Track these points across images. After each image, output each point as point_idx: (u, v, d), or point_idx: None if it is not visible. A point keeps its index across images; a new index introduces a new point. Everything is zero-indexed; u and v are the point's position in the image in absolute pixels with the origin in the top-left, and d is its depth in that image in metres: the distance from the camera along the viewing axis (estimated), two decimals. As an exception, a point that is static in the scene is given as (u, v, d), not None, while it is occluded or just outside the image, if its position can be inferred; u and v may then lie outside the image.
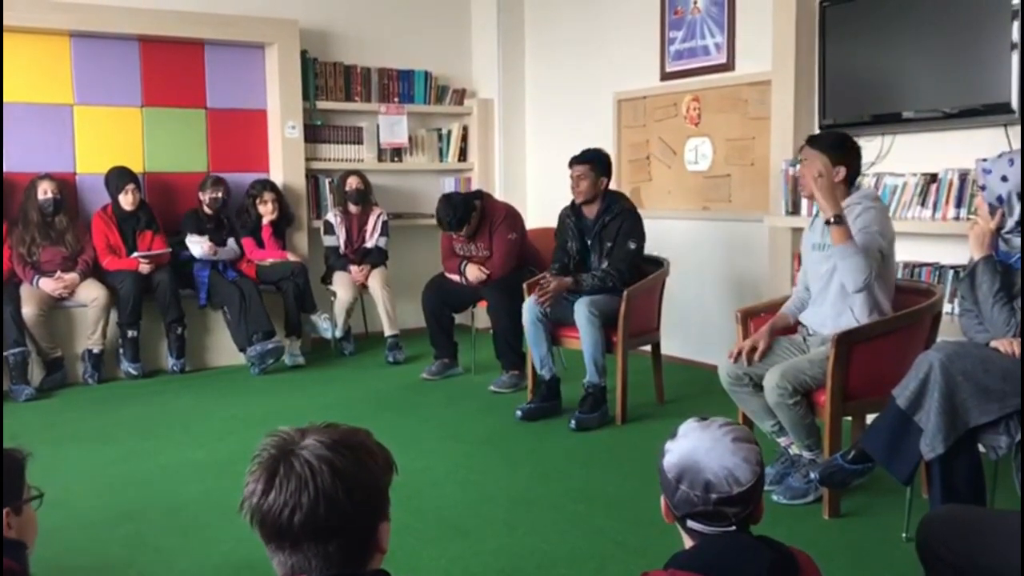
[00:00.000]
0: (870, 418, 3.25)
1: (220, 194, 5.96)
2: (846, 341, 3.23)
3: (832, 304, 3.46)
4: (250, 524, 1.34)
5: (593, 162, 4.71)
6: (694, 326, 5.74)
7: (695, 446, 1.58)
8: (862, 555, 2.98)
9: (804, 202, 4.72)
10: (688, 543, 1.63)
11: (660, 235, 5.80)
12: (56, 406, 5.05)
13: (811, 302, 3.60)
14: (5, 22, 5.42)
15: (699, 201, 5.79)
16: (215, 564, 2.95)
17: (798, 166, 3.96)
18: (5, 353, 5.12)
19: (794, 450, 3.51)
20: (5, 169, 5.61)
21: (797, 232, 4.71)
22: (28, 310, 5.23)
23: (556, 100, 6.87)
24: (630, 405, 4.64)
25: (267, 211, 6.08)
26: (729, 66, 5.48)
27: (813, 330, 3.54)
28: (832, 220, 3.27)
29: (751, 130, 5.38)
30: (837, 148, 3.44)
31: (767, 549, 1.54)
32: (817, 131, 4.58)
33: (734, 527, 1.56)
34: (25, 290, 5.30)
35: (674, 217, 5.92)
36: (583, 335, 4.55)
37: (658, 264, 4.95)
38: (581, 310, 4.55)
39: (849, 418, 3.49)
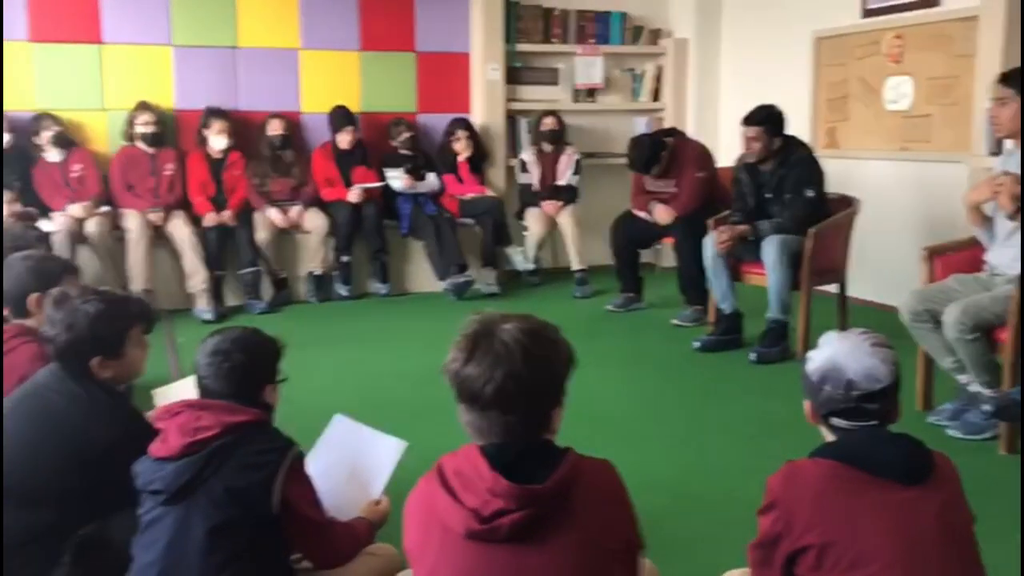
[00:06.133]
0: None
1: (407, 134, 6.38)
2: (1034, 280, 3.19)
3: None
4: (450, 386, 1.59)
5: (766, 124, 4.70)
6: (885, 269, 5.65)
7: (836, 351, 1.76)
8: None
9: (1007, 143, 4.55)
10: (830, 439, 1.80)
11: (854, 175, 5.72)
12: (283, 320, 5.69)
13: (997, 242, 3.55)
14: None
15: (897, 141, 5.67)
16: (416, 453, 3.35)
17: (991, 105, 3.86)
18: (241, 272, 5.83)
19: (973, 388, 3.51)
20: (244, 107, 6.28)
21: (998, 173, 4.55)
22: (261, 235, 5.89)
23: (753, 39, 6.83)
24: (812, 343, 4.67)
25: (461, 148, 6.48)
26: (934, 1, 5.29)
27: (1001, 270, 3.50)
28: None
29: (955, 68, 5.19)
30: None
31: (905, 441, 1.69)
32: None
33: (875, 422, 1.73)
34: (258, 217, 5.97)
35: (870, 157, 5.82)
36: (769, 272, 4.64)
37: (848, 204, 4.93)
38: (770, 248, 4.62)
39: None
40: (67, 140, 5.74)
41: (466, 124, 6.59)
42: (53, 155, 5.68)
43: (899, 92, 5.62)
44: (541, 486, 1.49)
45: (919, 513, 1.65)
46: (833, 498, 1.67)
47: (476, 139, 6.58)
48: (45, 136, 5.64)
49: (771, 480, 1.77)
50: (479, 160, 6.63)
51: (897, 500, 1.65)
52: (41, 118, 5.67)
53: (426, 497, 1.57)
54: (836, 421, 1.76)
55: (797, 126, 5.26)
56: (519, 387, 1.51)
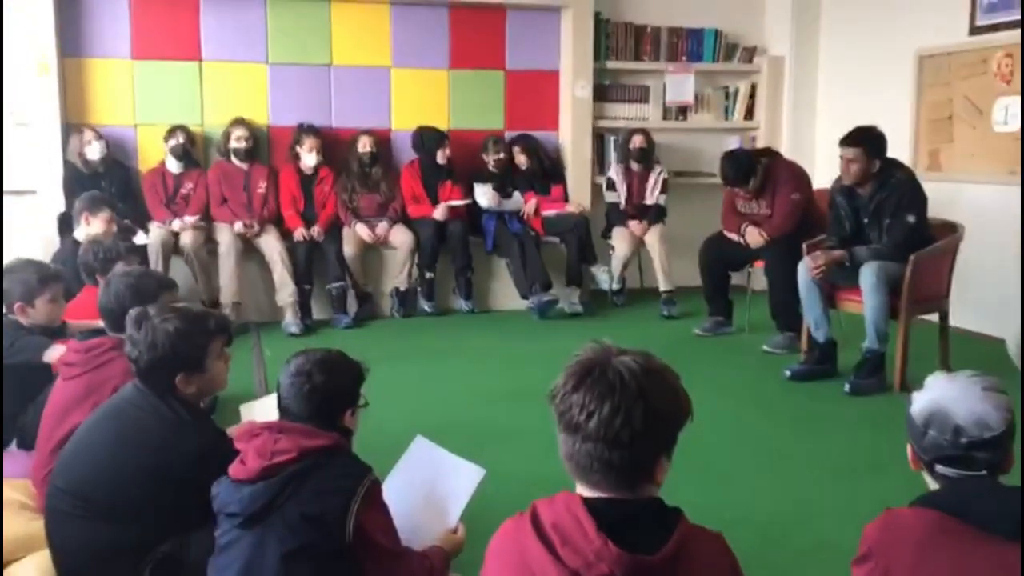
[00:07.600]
0: None
1: (502, 154, 6.40)
2: None
3: None
4: (553, 412, 1.46)
5: (865, 145, 4.51)
6: (990, 299, 5.39)
7: (943, 394, 1.64)
8: None
9: None
10: (934, 488, 1.68)
11: (958, 200, 5.49)
12: (367, 334, 5.72)
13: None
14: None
15: (1006, 164, 5.40)
16: (494, 478, 3.29)
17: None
18: (328, 286, 5.89)
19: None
20: (336, 124, 6.37)
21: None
22: (348, 250, 5.95)
23: (852, 57, 6.62)
24: (910, 374, 4.49)
25: (521, 162, 6.47)
26: (1049, 18, 5.04)
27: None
28: None
29: (1072, 88, 4.93)
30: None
31: (1017, 494, 1.56)
32: None
33: (984, 472, 1.60)
34: (346, 232, 6.03)
35: (976, 181, 5.56)
36: (866, 299, 4.46)
37: (951, 229, 4.71)
38: (867, 274, 4.45)
39: None
40: (191, 157, 5.95)
41: (516, 139, 6.57)
42: (173, 166, 5.89)
43: (1009, 113, 5.36)
44: (651, 557, 1.38)
45: (1032, 574, 1.52)
46: (936, 552, 1.56)
47: (532, 152, 6.52)
48: (172, 144, 5.86)
49: (868, 528, 1.66)
50: (541, 173, 6.56)
51: (1007, 559, 1.53)
52: (175, 128, 5.88)
53: (516, 545, 1.45)
54: (941, 469, 1.64)
55: (898, 148, 5.06)
56: (625, 423, 1.39)
